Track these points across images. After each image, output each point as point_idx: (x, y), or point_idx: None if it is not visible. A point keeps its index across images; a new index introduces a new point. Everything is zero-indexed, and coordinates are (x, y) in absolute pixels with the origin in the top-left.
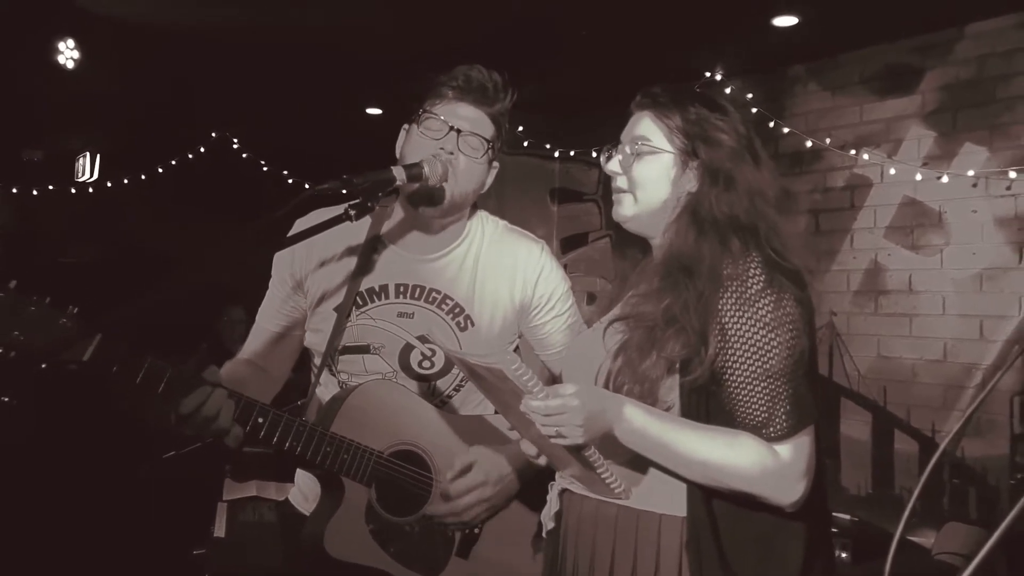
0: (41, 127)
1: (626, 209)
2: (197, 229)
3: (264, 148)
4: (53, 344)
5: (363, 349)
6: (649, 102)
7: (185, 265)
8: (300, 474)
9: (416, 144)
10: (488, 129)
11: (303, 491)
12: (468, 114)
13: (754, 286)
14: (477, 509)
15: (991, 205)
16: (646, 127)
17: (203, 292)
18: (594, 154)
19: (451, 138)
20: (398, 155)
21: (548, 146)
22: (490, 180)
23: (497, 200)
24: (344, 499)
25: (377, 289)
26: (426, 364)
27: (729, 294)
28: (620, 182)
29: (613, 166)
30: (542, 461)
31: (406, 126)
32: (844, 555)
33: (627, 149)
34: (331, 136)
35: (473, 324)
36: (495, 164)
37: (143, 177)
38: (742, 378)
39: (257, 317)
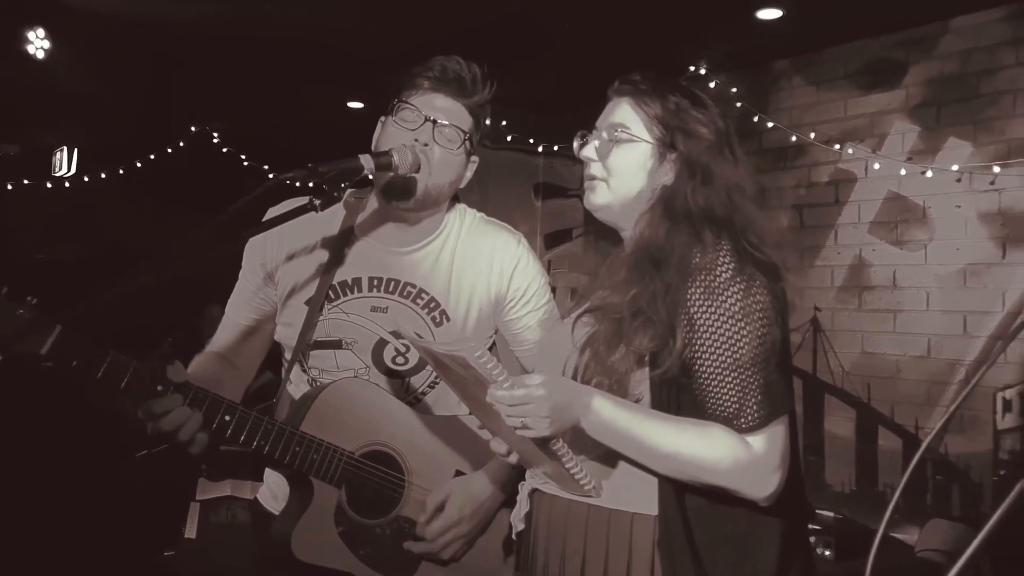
0: (17, 120)
1: (599, 197)
2: (176, 224)
3: (245, 142)
4: (9, 335)
5: (335, 344)
6: (629, 88)
7: (149, 258)
8: (269, 472)
9: (390, 135)
10: (465, 120)
11: (272, 490)
12: (444, 105)
13: (722, 275)
14: (455, 546)
15: (975, 200)
16: (625, 114)
17: (174, 287)
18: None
19: (426, 129)
20: (373, 147)
21: (532, 141)
22: (469, 174)
23: (481, 195)
24: (313, 500)
25: (350, 282)
26: (400, 360)
27: (697, 284)
28: (594, 169)
29: (588, 152)
30: (513, 459)
31: (383, 118)
32: (828, 552)
33: (604, 135)
34: (312, 130)
35: (449, 319)
36: (474, 158)
37: (121, 172)
38: (712, 369)
39: (227, 309)
